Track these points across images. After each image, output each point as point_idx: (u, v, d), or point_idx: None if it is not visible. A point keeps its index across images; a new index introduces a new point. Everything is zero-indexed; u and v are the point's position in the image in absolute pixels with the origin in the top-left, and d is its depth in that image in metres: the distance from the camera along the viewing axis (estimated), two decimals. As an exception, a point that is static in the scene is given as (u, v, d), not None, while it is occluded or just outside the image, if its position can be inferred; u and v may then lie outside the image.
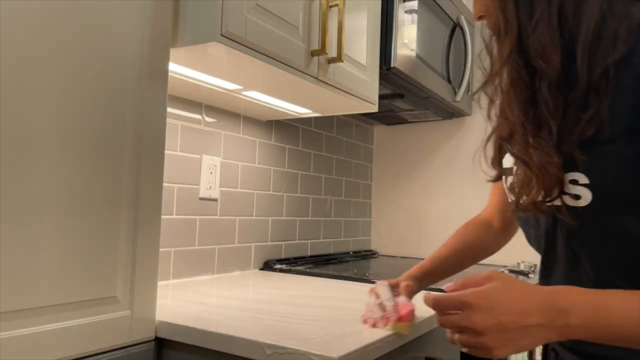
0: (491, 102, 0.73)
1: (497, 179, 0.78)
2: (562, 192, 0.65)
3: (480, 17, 0.74)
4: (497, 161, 0.76)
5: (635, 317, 0.55)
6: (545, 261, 0.76)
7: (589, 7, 0.62)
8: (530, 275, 1.69)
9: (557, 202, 0.65)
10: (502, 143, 0.73)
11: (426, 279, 1.05)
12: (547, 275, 0.75)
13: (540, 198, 0.65)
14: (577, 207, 0.64)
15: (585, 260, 0.68)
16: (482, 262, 1.90)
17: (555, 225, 0.70)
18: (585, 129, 0.61)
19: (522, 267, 1.79)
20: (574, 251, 0.69)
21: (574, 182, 0.64)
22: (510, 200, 0.73)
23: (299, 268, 1.60)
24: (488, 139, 0.76)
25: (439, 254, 1.08)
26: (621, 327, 0.56)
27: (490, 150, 0.76)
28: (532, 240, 0.80)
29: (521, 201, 0.68)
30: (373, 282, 1.39)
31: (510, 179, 0.73)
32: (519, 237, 1.95)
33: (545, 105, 0.64)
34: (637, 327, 0.54)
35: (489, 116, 0.74)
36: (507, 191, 0.75)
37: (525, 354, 1.35)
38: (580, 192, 0.63)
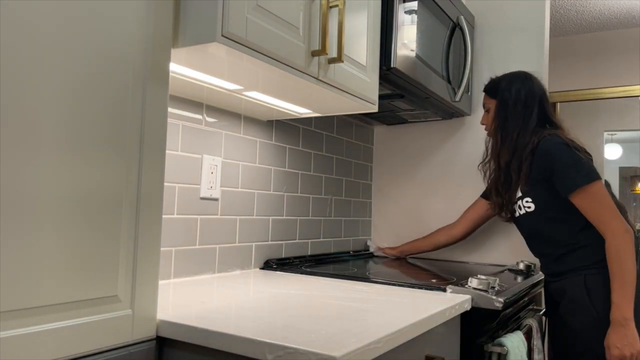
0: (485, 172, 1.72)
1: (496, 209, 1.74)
2: (524, 207, 1.59)
3: (483, 124, 1.73)
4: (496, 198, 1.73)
5: (622, 289, 1.40)
6: (528, 242, 1.69)
7: (521, 143, 1.57)
8: (532, 274, 1.70)
9: (523, 212, 1.61)
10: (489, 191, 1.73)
11: (407, 247, 2.07)
12: (529, 244, 1.68)
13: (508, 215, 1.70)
14: (529, 212, 1.59)
15: (539, 233, 1.60)
16: (487, 262, 2.01)
17: (524, 222, 1.64)
18: (524, 184, 1.57)
19: (521, 267, 1.80)
20: (535, 230, 1.62)
21: (527, 201, 1.58)
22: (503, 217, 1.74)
23: (299, 267, 1.61)
24: (487, 181, 1.76)
25: (426, 241, 2.03)
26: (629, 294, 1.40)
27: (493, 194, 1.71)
28: (522, 231, 1.69)
29: (509, 215, 1.70)
30: (373, 282, 1.40)
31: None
32: (519, 239, 1.96)
33: (502, 180, 1.65)
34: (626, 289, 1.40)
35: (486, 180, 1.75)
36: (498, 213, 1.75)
37: (524, 354, 1.35)
38: (530, 205, 1.57)
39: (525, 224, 1.63)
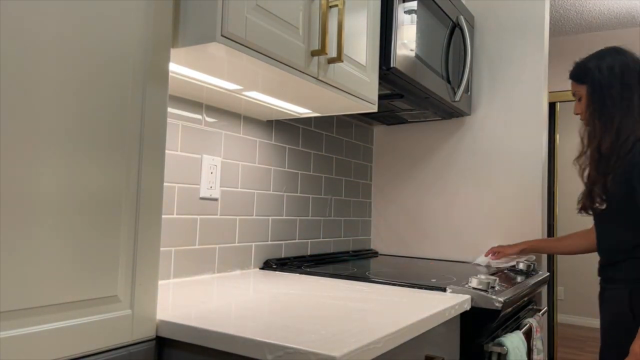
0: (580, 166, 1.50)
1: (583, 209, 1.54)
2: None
3: (577, 114, 1.52)
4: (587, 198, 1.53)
5: None
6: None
7: (624, 130, 1.37)
8: (532, 273, 1.70)
9: (594, 205, 1.48)
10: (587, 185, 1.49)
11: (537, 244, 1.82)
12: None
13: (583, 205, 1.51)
14: (601, 209, 1.46)
15: (603, 233, 1.49)
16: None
17: (595, 218, 1.52)
18: (611, 176, 1.40)
19: (521, 266, 1.80)
20: (599, 229, 1.51)
21: (601, 197, 1.43)
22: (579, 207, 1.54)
23: (299, 267, 1.61)
24: (583, 176, 1.53)
25: (561, 242, 1.79)
26: None
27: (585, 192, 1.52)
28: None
29: (581, 205, 1.52)
30: (373, 282, 1.40)
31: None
32: (519, 239, 1.95)
33: (601, 170, 1.42)
34: None
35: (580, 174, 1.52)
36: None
37: (524, 354, 1.35)
38: (603, 203, 1.45)
39: (595, 221, 1.52)
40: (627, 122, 1.36)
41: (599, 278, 1.53)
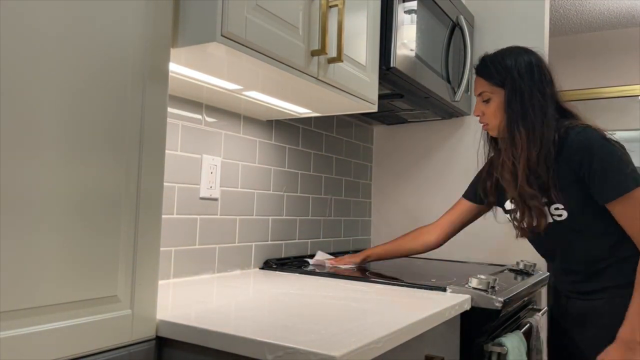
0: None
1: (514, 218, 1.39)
2: (552, 215, 1.29)
3: (478, 115, 1.37)
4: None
5: None
6: (548, 256, 1.42)
7: (547, 138, 1.25)
8: (532, 273, 1.70)
9: (550, 221, 1.30)
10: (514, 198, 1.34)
11: (374, 252, 1.68)
12: (551, 261, 1.41)
13: (538, 223, 1.30)
14: (559, 221, 1.28)
15: (570, 246, 1.31)
16: (487, 262, 1.96)
17: (550, 233, 1.31)
18: (554, 187, 1.25)
19: (521, 266, 1.80)
20: (565, 242, 1.32)
21: (557, 208, 1.27)
22: (517, 230, 1.38)
23: (299, 267, 1.60)
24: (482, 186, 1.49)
25: (396, 246, 1.66)
26: None
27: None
28: (539, 247, 1.42)
29: (530, 226, 1.31)
30: (373, 282, 1.39)
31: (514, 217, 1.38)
32: (520, 240, 1.96)
33: (534, 183, 1.27)
34: None
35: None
36: (514, 225, 1.38)
37: (524, 354, 1.35)
38: (562, 212, 1.27)
39: (552, 236, 1.31)
40: (549, 129, 1.24)
41: (571, 294, 1.36)
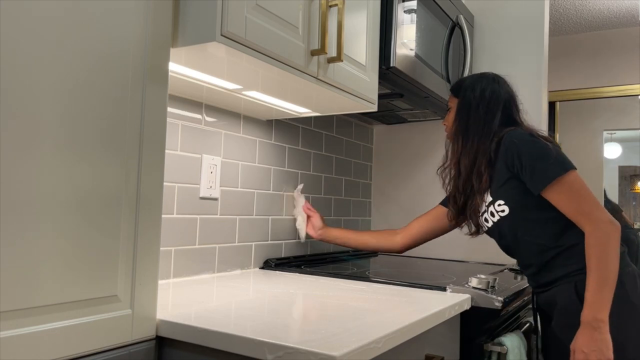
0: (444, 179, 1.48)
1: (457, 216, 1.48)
2: (497, 212, 1.36)
3: (444, 124, 1.51)
4: (454, 209, 1.47)
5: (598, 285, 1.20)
6: (508, 253, 1.44)
7: (483, 146, 1.37)
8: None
9: (497, 218, 1.36)
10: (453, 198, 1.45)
11: (332, 233, 1.73)
12: (513, 256, 1.42)
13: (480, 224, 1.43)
14: (504, 216, 1.34)
15: (518, 238, 1.35)
16: (487, 261, 1.96)
17: (501, 229, 1.38)
18: (493, 184, 1.35)
19: (519, 267, 1.80)
20: (513, 236, 1.36)
21: (499, 204, 1.34)
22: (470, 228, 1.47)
23: (299, 267, 1.61)
24: (447, 188, 1.48)
25: (356, 235, 1.72)
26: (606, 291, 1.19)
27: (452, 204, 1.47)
28: (500, 243, 1.44)
29: (474, 229, 1.45)
30: (372, 282, 1.40)
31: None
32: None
33: (470, 185, 1.39)
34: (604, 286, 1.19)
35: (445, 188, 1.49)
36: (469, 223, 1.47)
37: (524, 354, 1.35)
38: (504, 208, 1.34)
39: (502, 231, 1.38)
40: (485, 142, 1.36)
41: (535, 288, 1.40)
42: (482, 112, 1.39)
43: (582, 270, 1.24)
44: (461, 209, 1.44)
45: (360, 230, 1.72)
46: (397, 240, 1.65)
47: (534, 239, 1.32)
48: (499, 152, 1.33)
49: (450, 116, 1.48)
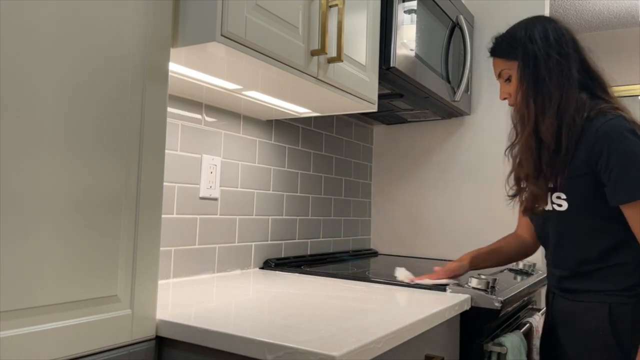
0: (513, 157, 1.25)
1: (514, 196, 1.27)
2: (552, 203, 1.19)
3: (505, 98, 1.26)
4: (518, 190, 1.26)
5: None
6: (542, 242, 1.30)
7: (567, 110, 1.13)
8: (532, 273, 1.70)
9: (549, 208, 1.20)
10: (519, 179, 1.24)
11: (474, 263, 1.40)
12: (546, 249, 1.29)
13: (537, 207, 1.21)
14: (559, 211, 1.18)
15: (563, 239, 1.21)
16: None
17: (548, 221, 1.23)
18: (563, 172, 1.14)
19: (520, 266, 1.80)
20: (558, 235, 1.21)
21: (559, 197, 1.17)
22: (522, 210, 1.27)
23: (299, 267, 1.61)
24: (510, 174, 1.27)
25: (487, 250, 1.43)
26: None
27: (512, 182, 1.26)
28: (536, 229, 1.30)
29: (527, 209, 1.23)
30: (372, 282, 1.39)
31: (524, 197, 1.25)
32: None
33: (545, 162, 1.15)
34: None
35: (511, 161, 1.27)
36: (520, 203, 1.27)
37: (524, 354, 1.35)
38: (562, 203, 1.17)
39: (548, 224, 1.23)
40: (569, 99, 1.12)
41: (557, 290, 1.26)
42: (554, 61, 1.15)
43: (620, 292, 1.11)
44: (545, 185, 1.18)
45: (488, 249, 1.41)
46: (527, 238, 1.41)
47: (580, 248, 1.17)
48: (585, 134, 1.10)
49: (512, 84, 1.21)
